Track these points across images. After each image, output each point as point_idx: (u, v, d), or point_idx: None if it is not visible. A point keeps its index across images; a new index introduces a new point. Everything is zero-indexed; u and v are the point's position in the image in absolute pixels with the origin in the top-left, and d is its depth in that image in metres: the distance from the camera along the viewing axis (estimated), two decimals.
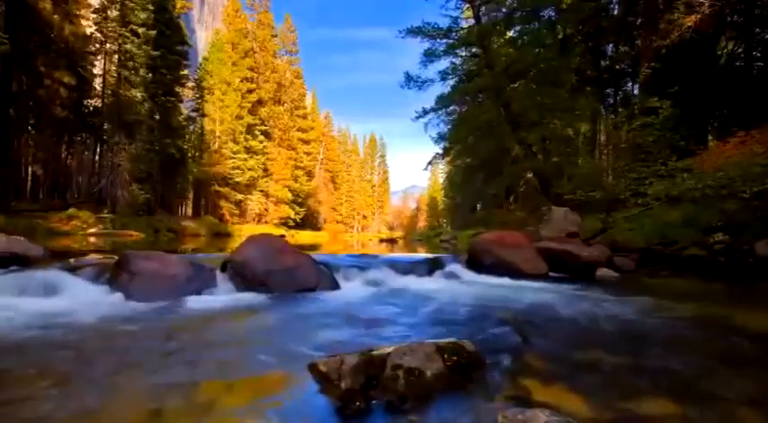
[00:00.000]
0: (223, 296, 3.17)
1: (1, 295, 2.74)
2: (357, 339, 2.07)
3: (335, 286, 3.62)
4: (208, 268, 3.47)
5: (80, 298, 2.89)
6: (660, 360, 1.72)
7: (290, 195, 41.77)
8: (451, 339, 1.55)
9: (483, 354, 1.55)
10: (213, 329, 2.29)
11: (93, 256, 4.73)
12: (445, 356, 1.40)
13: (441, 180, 56.24)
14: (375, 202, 73.03)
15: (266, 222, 38.15)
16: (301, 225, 43.40)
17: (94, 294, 3.02)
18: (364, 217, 69.72)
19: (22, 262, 3.95)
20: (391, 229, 64.32)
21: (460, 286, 3.95)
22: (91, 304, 2.77)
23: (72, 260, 4.29)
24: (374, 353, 1.38)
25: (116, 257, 4.65)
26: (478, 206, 28.70)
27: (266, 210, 39.51)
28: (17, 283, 2.97)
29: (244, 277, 3.36)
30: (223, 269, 3.51)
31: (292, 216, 42.15)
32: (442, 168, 47.64)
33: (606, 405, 1.24)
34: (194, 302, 2.93)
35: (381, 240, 26.02)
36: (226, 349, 1.91)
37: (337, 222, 60.58)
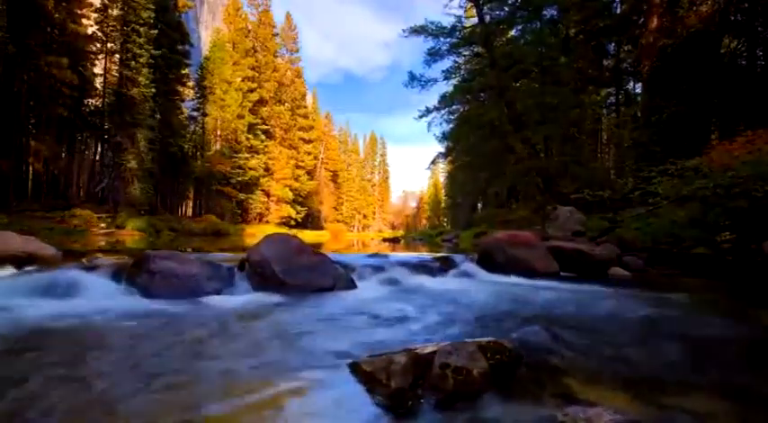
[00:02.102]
0: (242, 295, 3.17)
1: (25, 296, 2.75)
2: (386, 339, 2.07)
3: (352, 286, 3.62)
4: (226, 267, 3.48)
5: (101, 298, 2.89)
6: (695, 357, 1.73)
7: (291, 195, 41.76)
8: (490, 338, 1.56)
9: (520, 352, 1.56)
10: (241, 329, 2.29)
11: (104, 256, 4.73)
12: (488, 355, 1.41)
13: (441, 179, 56.29)
14: (375, 201, 73.04)
15: (267, 222, 38.15)
16: (302, 224, 43.38)
17: (115, 294, 3.02)
18: (364, 216, 69.70)
19: (36, 262, 3.95)
20: (394, 228, 64.28)
21: (476, 285, 3.96)
22: (113, 304, 2.77)
23: (85, 260, 4.29)
24: (419, 352, 1.38)
25: (126, 257, 4.67)
26: (479, 205, 28.76)
27: (267, 209, 39.51)
28: (38, 284, 2.97)
29: (262, 277, 3.37)
30: (241, 268, 3.52)
31: (293, 215, 42.14)
32: (442, 168, 47.70)
33: (653, 403, 1.25)
34: (215, 302, 2.94)
35: (384, 239, 26.02)
36: (258, 349, 1.91)
37: (338, 221, 60.57)
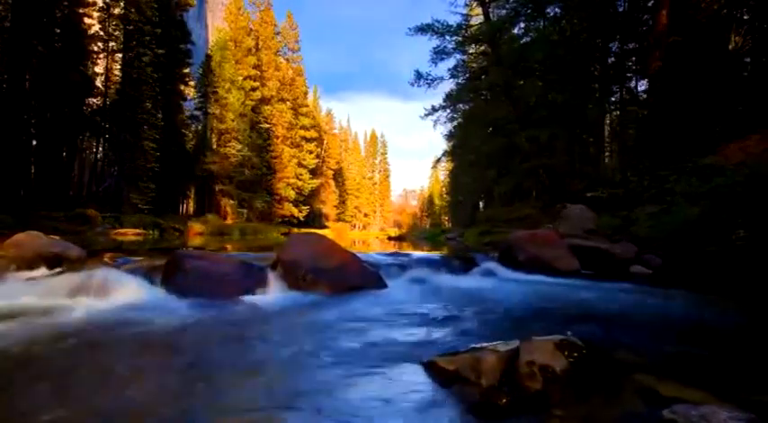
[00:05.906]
0: (277, 294, 3.18)
1: (65, 296, 2.75)
2: (440, 337, 2.08)
3: (383, 285, 3.62)
4: (258, 267, 3.48)
5: (139, 297, 2.90)
6: (761, 354, 1.74)
7: (293, 194, 41.72)
8: (561, 336, 1.56)
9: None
10: (290, 329, 2.30)
11: (125, 256, 4.73)
12: (565, 353, 1.41)
13: (442, 178, 56.29)
14: (376, 199, 73.01)
15: (270, 221, 38.11)
16: (305, 223, 43.34)
17: (151, 293, 3.02)
18: (366, 215, 69.69)
19: (64, 262, 3.95)
20: (399, 226, 64.24)
21: (503, 283, 3.96)
22: (152, 303, 2.78)
23: (108, 259, 4.30)
24: (500, 350, 1.39)
25: (147, 257, 4.66)
26: (481, 204, 28.78)
27: (270, 208, 39.47)
28: (74, 284, 2.96)
29: (295, 276, 3.37)
30: (273, 268, 3.52)
31: (296, 214, 42.12)
32: (443, 166, 47.67)
33: (748, 401, 1.25)
34: (252, 301, 2.94)
35: (389, 238, 26.04)
36: (318, 348, 1.91)
37: (340, 220, 60.56)
